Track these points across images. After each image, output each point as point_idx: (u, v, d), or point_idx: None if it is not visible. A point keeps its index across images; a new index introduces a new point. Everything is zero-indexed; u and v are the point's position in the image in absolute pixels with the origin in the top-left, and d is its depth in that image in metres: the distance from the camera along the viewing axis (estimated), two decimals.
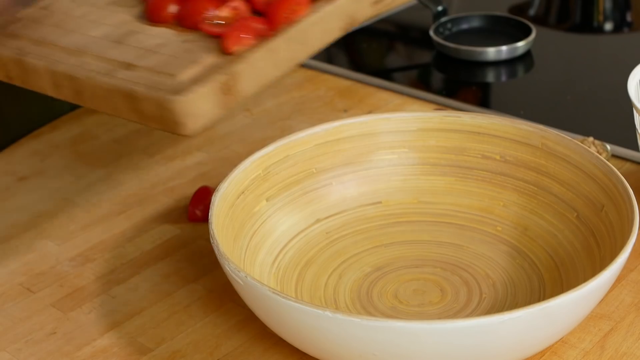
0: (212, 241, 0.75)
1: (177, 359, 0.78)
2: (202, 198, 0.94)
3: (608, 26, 1.40)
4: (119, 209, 0.97)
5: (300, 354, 0.77)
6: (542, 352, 0.76)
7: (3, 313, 0.83)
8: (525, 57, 1.25)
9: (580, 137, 1.00)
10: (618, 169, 0.92)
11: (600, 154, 0.95)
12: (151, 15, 0.80)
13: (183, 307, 0.83)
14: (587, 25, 1.40)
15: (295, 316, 0.68)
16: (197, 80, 0.71)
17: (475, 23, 1.33)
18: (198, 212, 0.94)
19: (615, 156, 1.01)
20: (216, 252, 0.74)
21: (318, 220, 0.89)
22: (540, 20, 1.40)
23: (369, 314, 0.80)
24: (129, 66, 0.74)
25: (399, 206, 0.91)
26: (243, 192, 0.84)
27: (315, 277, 0.84)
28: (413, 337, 0.66)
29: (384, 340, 0.67)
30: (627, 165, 1.00)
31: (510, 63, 1.24)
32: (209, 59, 0.74)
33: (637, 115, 0.87)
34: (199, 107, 0.70)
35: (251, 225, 0.84)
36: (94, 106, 0.75)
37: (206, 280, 0.86)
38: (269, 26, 0.76)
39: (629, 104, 0.89)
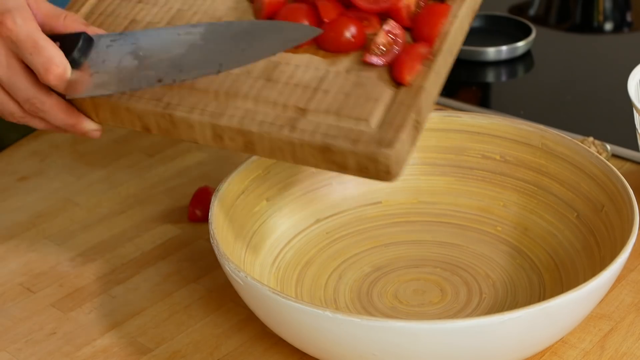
0: (212, 241, 0.75)
1: (177, 359, 0.78)
2: (202, 198, 0.94)
3: (608, 26, 1.40)
4: (119, 209, 0.97)
5: (300, 354, 0.77)
6: (542, 352, 0.76)
7: (3, 313, 0.83)
8: (525, 57, 1.25)
9: (580, 137, 1.00)
10: (618, 169, 0.92)
11: (600, 154, 0.95)
12: None
13: (183, 307, 0.83)
14: (587, 25, 1.40)
15: (295, 316, 0.68)
16: (394, 125, 0.69)
17: (475, 23, 1.33)
18: (198, 212, 0.94)
19: (615, 156, 1.01)
20: (216, 252, 0.74)
21: (318, 220, 0.88)
22: (540, 20, 1.40)
23: (369, 314, 0.80)
24: (302, 112, 0.71)
25: (399, 206, 0.91)
26: (243, 192, 0.83)
27: (315, 277, 0.84)
28: (413, 337, 0.66)
29: (384, 340, 0.67)
30: (627, 165, 1.00)
31: (510, 63, 1.24)
32: (386, 93, 0.71)
33: (637, 115, 0.87)
34: (403, 152, 0.69)
35: (251, 225, 0.83)
36: (267, 156, 0.72)
37: (206, 280, 0.86)
38: (427, 45, 0.73)
39: (629, 104, 0.89)
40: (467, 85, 1.22)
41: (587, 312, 0.72)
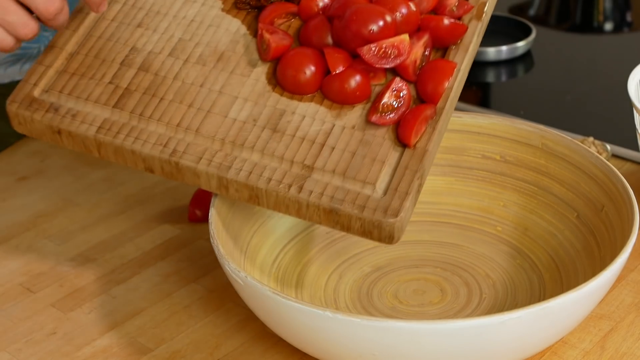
0: (212, 242, 0.75)
1: (177, 359, 0.78)
2: (202, 198, 0.94)
3: (608, 26, 1.40)
4: (119, 209, 0.97)
5: (300, 354, 0.77)
6: (542, 352, 0.76)
7: (3, 313, 0.83)
8: (525, 57, 1.25)
9: (580, 137, 1.00)
10: (618, 169, 0.92)
11: (600, 154, 0.95)
12: (285, 84, 0.76)
13: (183, 307, 0.83)
14: (587, 25, 1.40)
15: (296, 316, 0.68)
16: (399, 192, 0.71)
17: None
18: (198, 212, 0.94)
19: (615, 156, 1.01)
20: (217, 253, 0.74)
21: None
22: (540, 20, 1.40)
23: (369, 314, 0.80)
24: (308, 169, 0.72)
25: None
26: None
27: (315, 277, 0.84)
28: (413, 337, 0.66)
29: (384, 341, 0.67)
30: (627, 165, 1.00)
31: (510, 63, 1.24)
32: (392, 155, 0.73)
33: (637, 115, 0.87)
34: (406, 218, 0.71)
35: (251, 225, 0.83)
36: (270, 209, 0.73)
37: (206, 280, 0.86)
38: (432, 103, 0.75)
39: (629, 104, 0.89)
40: (467, 85, 1.22)
41: (587, 312, 0.72)
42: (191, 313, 0.82)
